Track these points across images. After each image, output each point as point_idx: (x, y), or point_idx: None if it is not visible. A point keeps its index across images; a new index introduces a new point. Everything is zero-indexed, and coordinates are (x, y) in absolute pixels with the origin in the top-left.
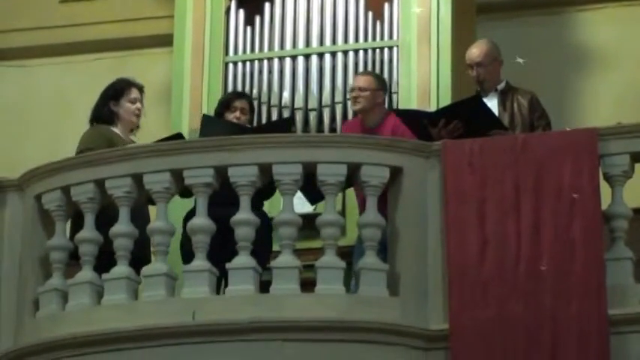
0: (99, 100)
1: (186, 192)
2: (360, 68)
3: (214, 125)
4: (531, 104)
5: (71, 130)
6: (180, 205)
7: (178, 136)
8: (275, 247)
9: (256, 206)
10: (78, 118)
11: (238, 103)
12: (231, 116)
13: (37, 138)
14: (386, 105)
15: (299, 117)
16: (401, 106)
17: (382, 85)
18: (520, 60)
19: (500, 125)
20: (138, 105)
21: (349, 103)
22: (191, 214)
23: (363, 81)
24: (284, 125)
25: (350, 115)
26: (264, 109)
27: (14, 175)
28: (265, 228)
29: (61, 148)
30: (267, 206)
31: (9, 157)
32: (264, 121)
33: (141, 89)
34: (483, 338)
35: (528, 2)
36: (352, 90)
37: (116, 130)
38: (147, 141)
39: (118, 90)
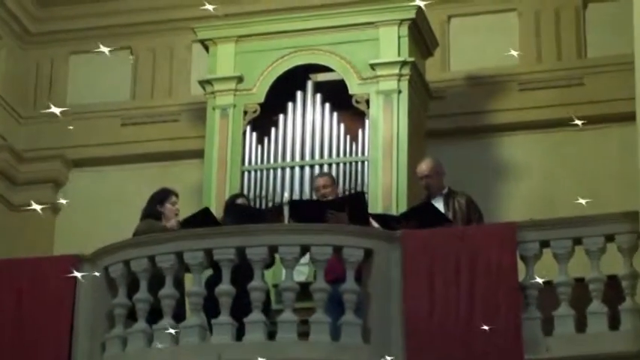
0: (148, 203)
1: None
2: (341, 177)
3: (235, 208)
4: (468, 204)
5: (129, 218)
6: None
7: (205, 210)
8: (280, 307)
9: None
10: (134, 209)
11: (240, 200)
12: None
13: (105, 224)
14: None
15: None
16: (370, 205)
17: (334, 181)
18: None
19: (446, 219)
20: (177, 206)
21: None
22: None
23: (325, 180)
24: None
25: None
26: (270, 204)
27: (88, 251)
28: None
29: (122, 231)
30: (270, 275)
31: (85, 238)
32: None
33: (177, 195)
34: None
35: (464, 129)
36: (318, 189)
37: (162, 223)
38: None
39: (162, 196)
